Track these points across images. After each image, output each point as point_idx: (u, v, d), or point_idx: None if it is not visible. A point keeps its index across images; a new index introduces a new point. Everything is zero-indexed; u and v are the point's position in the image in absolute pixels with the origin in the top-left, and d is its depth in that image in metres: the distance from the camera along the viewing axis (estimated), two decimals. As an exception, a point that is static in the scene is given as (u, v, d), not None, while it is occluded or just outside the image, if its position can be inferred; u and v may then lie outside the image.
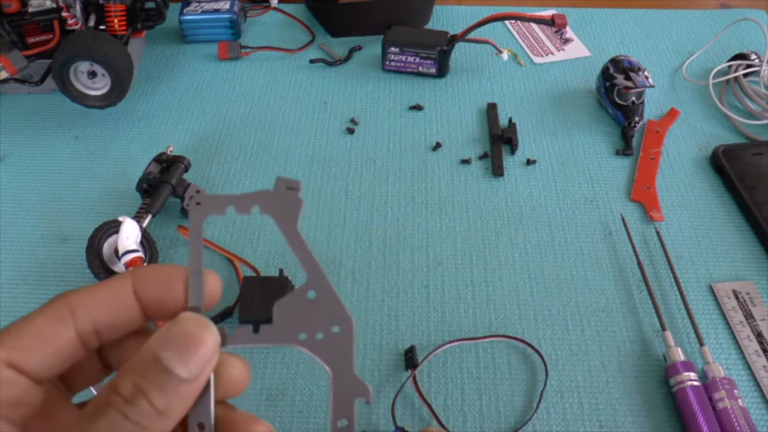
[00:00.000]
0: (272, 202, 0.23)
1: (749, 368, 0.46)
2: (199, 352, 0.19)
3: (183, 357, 0.19)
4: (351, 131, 0.63)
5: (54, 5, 0.58)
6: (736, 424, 0.41)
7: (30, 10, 0.58)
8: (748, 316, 0.49)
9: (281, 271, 0.49)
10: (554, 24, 0.64)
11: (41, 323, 0.20)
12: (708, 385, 0.43)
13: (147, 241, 0.50)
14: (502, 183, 0.59)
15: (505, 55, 0.68)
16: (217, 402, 0.21)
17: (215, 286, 0.22)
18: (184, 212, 0.54)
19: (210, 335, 0.20)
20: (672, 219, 0.56)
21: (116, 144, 0.61)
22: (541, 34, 0.76)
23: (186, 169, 0.55)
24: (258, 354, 0.46)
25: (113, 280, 0.21)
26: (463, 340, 0.47)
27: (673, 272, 0.51)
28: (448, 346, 0.47)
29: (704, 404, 0.42)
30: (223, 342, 0.21)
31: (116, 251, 0.48)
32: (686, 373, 0.43)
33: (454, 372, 0.45)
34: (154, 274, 0.21)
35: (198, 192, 0.54)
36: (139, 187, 0.54)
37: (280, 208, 0.23)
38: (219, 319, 0.47)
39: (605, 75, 0.65)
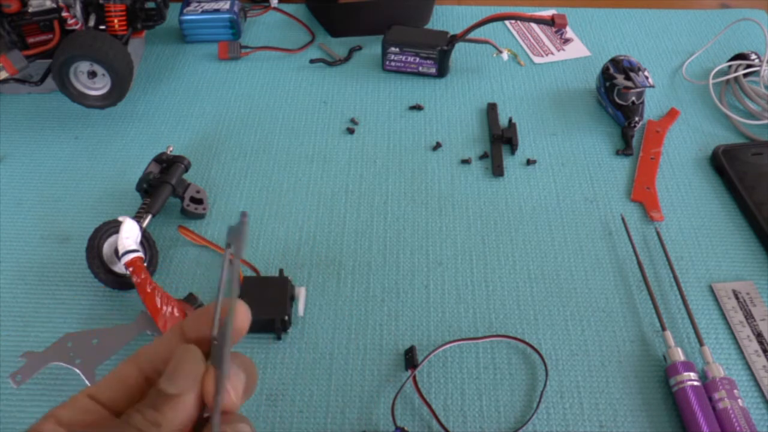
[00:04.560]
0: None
1: (749, 368, 0.46)
2: (182, 373, 0.23)
3: (169, 377, 0.23)
4: (351, 131, 0.63)
5: (54, 5, 0.58)
6: (736, 424, 0.41)
7: (30, 10, 0.58)
8: (748, 316, 0.49)
9: (281, 271, 0.49)
10: (554, 24, 0.64)
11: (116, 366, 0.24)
12: (708, 385, 0.43)
13: (147, 241, 0.50)
14: (502, 183, 0.59)
15: (505, 55, 0.68)
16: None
17: (244, 318, 0.25)
18: (184, 212, 0.54)
19: (193, 361, 0.23)
20: (672, 219, 0.56)
21: (116, 144, 0.61)
22: (541, 34, 0.76)
23: (186, 169, 0.55)
24: (258, 354, 0.46)
25: (168, 333, 0.25)
26: (463, 340, 0.47)
27: (673, 272, 0.51)
28: (448, 346, 0.47)
29: (704, 404, 0.42)
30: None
31: (116, 251, 0.48)
32: (686, 373, 0.43)
33: (454, 372, 0.45)
34: (195, 320, 0.25)
35: (200, 194, 0.54)
36: (139, 187, 0.54)
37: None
38: (219, 319, 0.47)
39: (605, 75, 0.65)
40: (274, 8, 0.76)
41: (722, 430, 0.41)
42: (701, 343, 0.46)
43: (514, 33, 0.76)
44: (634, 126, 0.62)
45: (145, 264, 0.48)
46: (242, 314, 0.25)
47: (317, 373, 0.45)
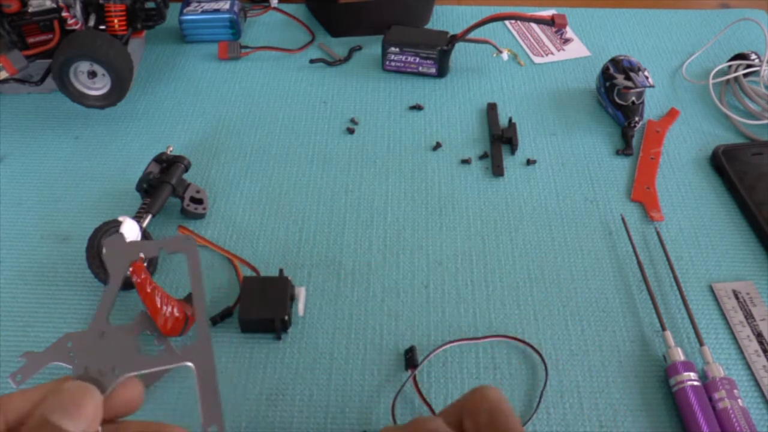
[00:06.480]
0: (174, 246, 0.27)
1: (749, 368, 0.46)
2: (83, 411, 0.22)
3: (69, 415, 0.22)
4: (351, 131, 0.63)
5: (54, 5, 0.58)
6: (736, 424, 0.41)
7: (30, 10, 0.58)
8: (748, 316, 0.49)
9: (281, 271, 0.49)
10: (554, 24, 0.64)
11: None
12: (708, 385, 0.43)
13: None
14: (502, 183, 0.59)
15: (505, 55, 0.68)
16: (111, 421, 0.24)
17: (133, 395, 0.25)
18: (184, 212, 0.54)
19: (89, 399, 0.23)
20: (672, 219, 0.56)
21: (116, 144, 0.61)
22: (541, 34, 0.76)
23: (186, 169, 0.55)
24: (258, 354, 0.46)
25: (45, 384, 0.25)
26: (463, 340, 0.47)
27: (673, 272, 0.51)
28: (448, 346, 0.47)
29: (704, 404, 0.42)
30: (104, 390, 0.24)
31: (116, 251, 0.48)
32: (686, 373, 0.43)
33: (454, 372, 0.45)
34: (21, 399, 0.24)
35: (200, 194, 0.54)
36: (139, 187, 0.54)
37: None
38: (219, 319, 0.47)
39: (605, 75, 0.65)
40: (274, 8, 0.76)
41: (722, 430, 0.41)
42: (701, 343, 0.46)
43: (514, 33, 0.76)
44: (634, 126, 0.62)
45: (145, 264, 0.48)
46: (131, 392, 0.25)
47: (317, 373, 0.45)
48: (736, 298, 0.50)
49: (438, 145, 0.62)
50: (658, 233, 0.54)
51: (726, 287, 0.51)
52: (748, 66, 0.67)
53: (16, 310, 0.48)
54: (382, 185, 0.58)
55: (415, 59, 0.68)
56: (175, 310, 0.45)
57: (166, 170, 0.54)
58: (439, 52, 0.67)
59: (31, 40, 0.59)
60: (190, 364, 0.25)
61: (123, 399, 0.24)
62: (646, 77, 0.64)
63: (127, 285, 0.48)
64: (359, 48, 0.73)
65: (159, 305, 0.45)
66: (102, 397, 0.23)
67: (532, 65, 0.72)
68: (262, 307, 0.46)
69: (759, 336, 0.47)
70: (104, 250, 0.26)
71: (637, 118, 0.62)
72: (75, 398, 0.23)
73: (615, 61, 0.65)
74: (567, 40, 0.75)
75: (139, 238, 0.48)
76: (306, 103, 0.66)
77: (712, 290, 0.51)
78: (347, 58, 0.71)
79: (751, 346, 0.47)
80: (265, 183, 0.58)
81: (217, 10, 0.71)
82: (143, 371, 0.25)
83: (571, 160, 0.61)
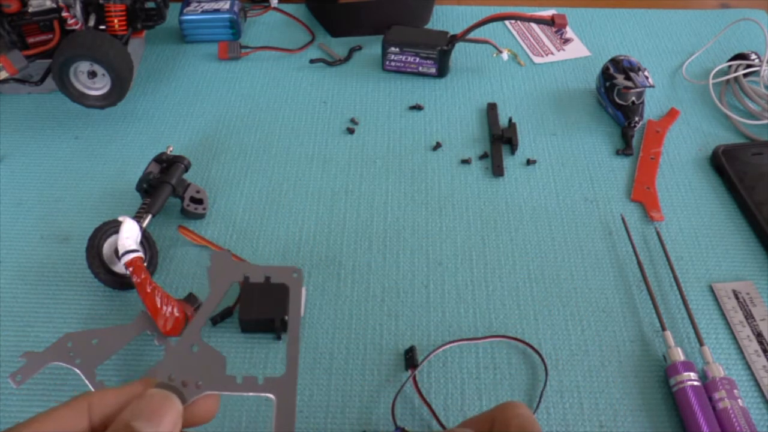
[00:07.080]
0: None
1: (749, 368, 0.46)
2: (164, 420, 0.23)
3: (152, 423, 0.23)
4: (351, 131, 0.63)
5: (54, 5, 0.58)
6: (736, 424, 0.41)
7: (30, 10, 0.58)
8: (748, 316, 0.49)
9: (281, 271, 0.49)
10: (554, 24, 0.64)
11: (62, 414, 0.23)
12: (708, 385, 0.43)
13: (147, 241, 0.50)
14: (502, 183, 0.59)
15: (505, 55, 0.68)
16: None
17: (211, 407, 0.26)
18: (184, 212, 0.54)
19: (171, 409, 0.24)
20: (672, 219, 0.56)
21: (116, 144, 0.61)
22: (541, 34, 0.76)
23: (186, 169, 0.55)
24: (258, 354, 0.46)
25: (130, 385, 0.25)
26: (463, 340, 0.47)
27: (673, 272, 0.51)
28: (448, 346, 0.47)
29: (704, 404, 0.42)
30: (184, 401, 0.24)
31: (116, 251, 0.48)
32: (686, 373, 0.43)
33: (454, 372, 0.45)
34: (104, 397, 0.24)
35: (200, 194, 0.54)
36: (139, 187, 0.54)
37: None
38: (219, 319, 0.47)
39: (605, 75, 0.65)
40: (274, 8, 0.76)
41: (722, 430, 0.41)
42: (701, 343, 0.46)
43: (514, 33, 0.76)
44: (634, 126, 0.62)
45: (145, 264, 0.48)
46: (210, 405, 0.25)
47: (317, 373, 0.45)
48: (736, 298, 0.50)
49: (438, 145, 0.62)
50: (658, 233, 0.54)
51: (726, 287, 0.51)
52: (748, 66, 0.67)
53: (16, 310, 0.48)
54: (382, 185, 0.58)
55: (415, 59, 0.68)
56: (175, 310, 0.45)
57: (166, 170, 0.54)
58: (439, 52, 0.67)
59: (31, 40, 0.59)
60: (272, 396, 0.25)
61: (201, 409, 0.25)
62: (646, 77, 0.64)
63: (127, 285, 0.48)
64: (359, 48, 0.73)
65: (159, 305, 0.45)
66: (182, 408, 0.24)
67: (532, 65, 0.72)
68: (262, 307, 0.46)
69: (759, 336, 0.47)
70: (209, 264, 0.26)
71: (637, 118, 0.62)
72: (157, 406, 0.23)
73: (615, 61, 0.65)
74: (567, 40, 0.75)
75: (138, 238, 0.48)
76: (306, 103, 0.66)
77: (712, 290, 0.51)
78: (347, 58, 0.71)
79: (751, 346, 0.47)
80: (265, 183, 0.58)
81: (217, 10, 0.71)
82: (225, 392, 0.25)
83: (571, 160, 0.61)
